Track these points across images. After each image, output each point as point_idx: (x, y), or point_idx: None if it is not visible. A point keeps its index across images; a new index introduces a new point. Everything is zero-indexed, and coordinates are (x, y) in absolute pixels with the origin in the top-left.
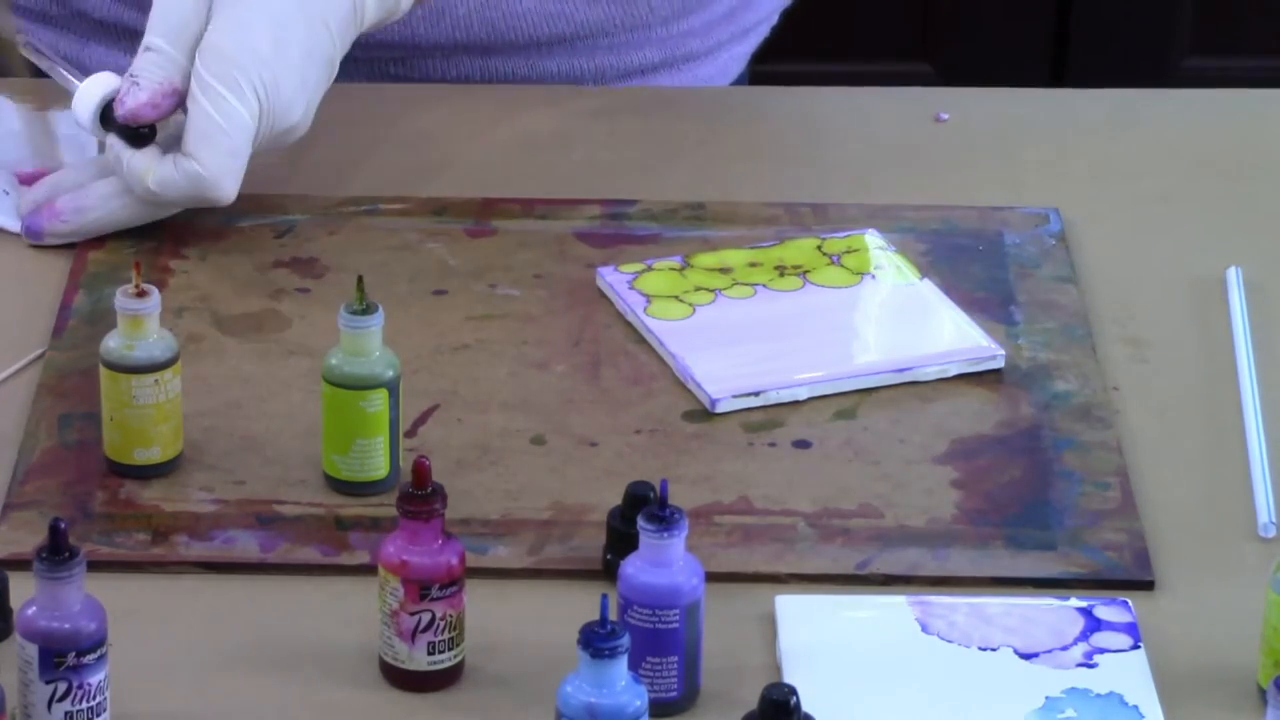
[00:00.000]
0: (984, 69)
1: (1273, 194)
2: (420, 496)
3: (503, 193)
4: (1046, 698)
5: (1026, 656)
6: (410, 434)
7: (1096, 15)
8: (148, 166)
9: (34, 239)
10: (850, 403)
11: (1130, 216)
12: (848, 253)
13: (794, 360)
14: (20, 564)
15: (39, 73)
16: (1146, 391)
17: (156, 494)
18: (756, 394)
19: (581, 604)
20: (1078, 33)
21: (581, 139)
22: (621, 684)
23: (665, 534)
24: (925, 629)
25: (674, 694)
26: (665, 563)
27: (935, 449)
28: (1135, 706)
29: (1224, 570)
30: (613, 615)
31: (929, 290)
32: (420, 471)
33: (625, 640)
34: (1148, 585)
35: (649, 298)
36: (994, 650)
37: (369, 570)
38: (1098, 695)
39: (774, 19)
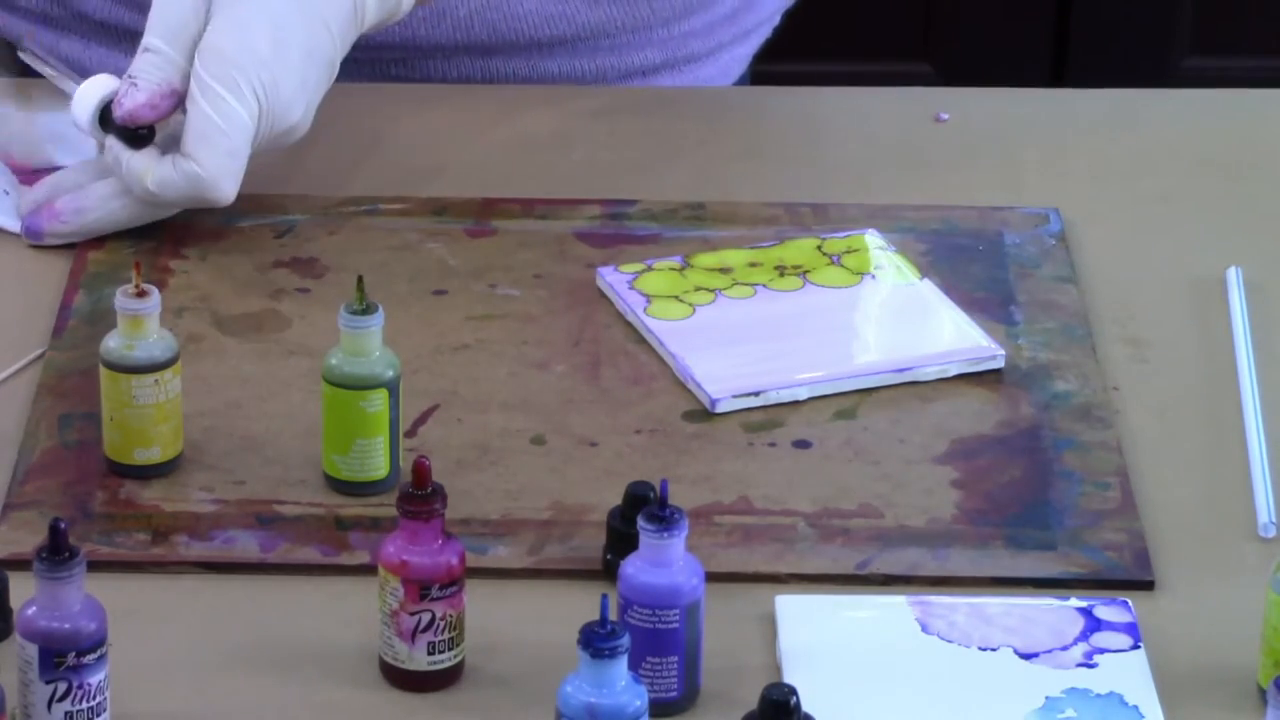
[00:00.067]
0: (984, 69)
1: (1273, 194)
2: (420, 496)
3: (503, 193)
4: (1046, 698)
5: (1026, 656)
6: (410, 434)
7: (1096, 15)
8: (147, 167)
9: (34, 239)
10: (850, 403)
11: (1130, 216)
12: (848, 253)
13: (794, 360)
14: (20, 564)
15: (37, 73)
16: (1146, 391)
17: (156, 494)
18: (756, 394)
19: (581, 604)
20: (1078, 33)
21: (581, 139)
22: (621, 684)
23: (665, 534)
24: (925, 629)
25: (674, 694)
26: (665, 563)
27: (935, 449)
28: (1135, 706)
29: (1224, 570)
30: (613, 615)
31: (929, 290)
32: (420, 471)
33: (625, 640)
34: (1148, 585)
35: (649, 298)
36: (994, 650)
37: (369, 570)
38: (1098, 695)
39: (776, 20)
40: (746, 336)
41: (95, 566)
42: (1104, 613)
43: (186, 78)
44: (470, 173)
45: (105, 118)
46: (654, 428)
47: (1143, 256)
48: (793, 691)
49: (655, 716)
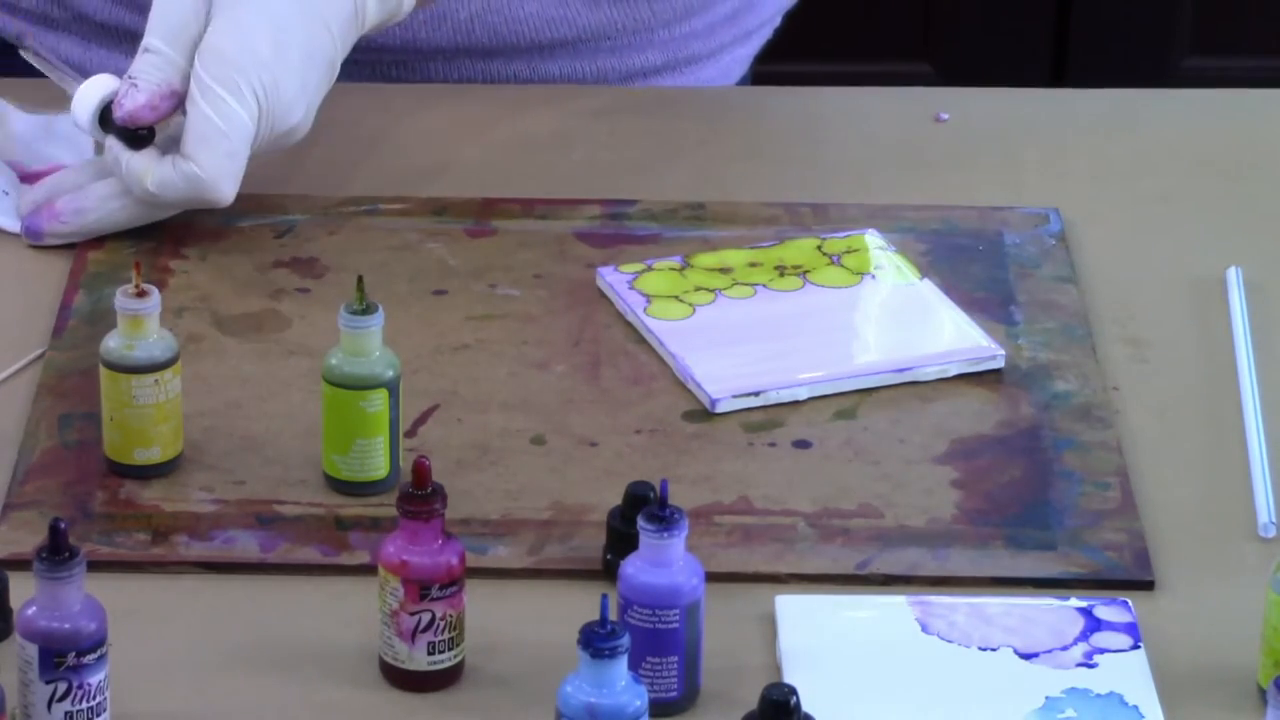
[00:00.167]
0: (984, 69)
1: (1273, 194)
2: (420, 496)
3: (503, 193)
4: (1046, 698)
5: (1026, 656)
6: (410, 434)
7: (1096, 15)
8: (146, 168)
9: (34, 239)
10: (850, 403)
11: (1130, 216)
12: (848, 253)
13: (794, 360)
14: (20, 564)
15: (37, 73)
16: (1146, 391)
17: (156, 494)
18: (756, 394)
19: (581, 604)
20: (1078, 33)
21: (581, 139)
22: (621, 684)
23: (665, 534)
24: (925, 629)
25: (674, 694)
26: (665, 563)
27: (935, 449)
28: (1135, 706)
29: (1224, 570)
30: (613, 615)
31: (929, 290)
32: (420, 471)
33: (625, 640)
34: (1148, 585)
35: (649, 298)
36: (994, 650)
37: (369, 570)
38: (1098, 695)
39: (776, 21)
40: (746, 336)
41: (95, 566)
42: (1104, 613)
43: (187, 79)
44: (470, 173)
45: (105, 118)
46: (654, 428)
47: (1143, 256)
48: (793, 691)
49: (655, 716)
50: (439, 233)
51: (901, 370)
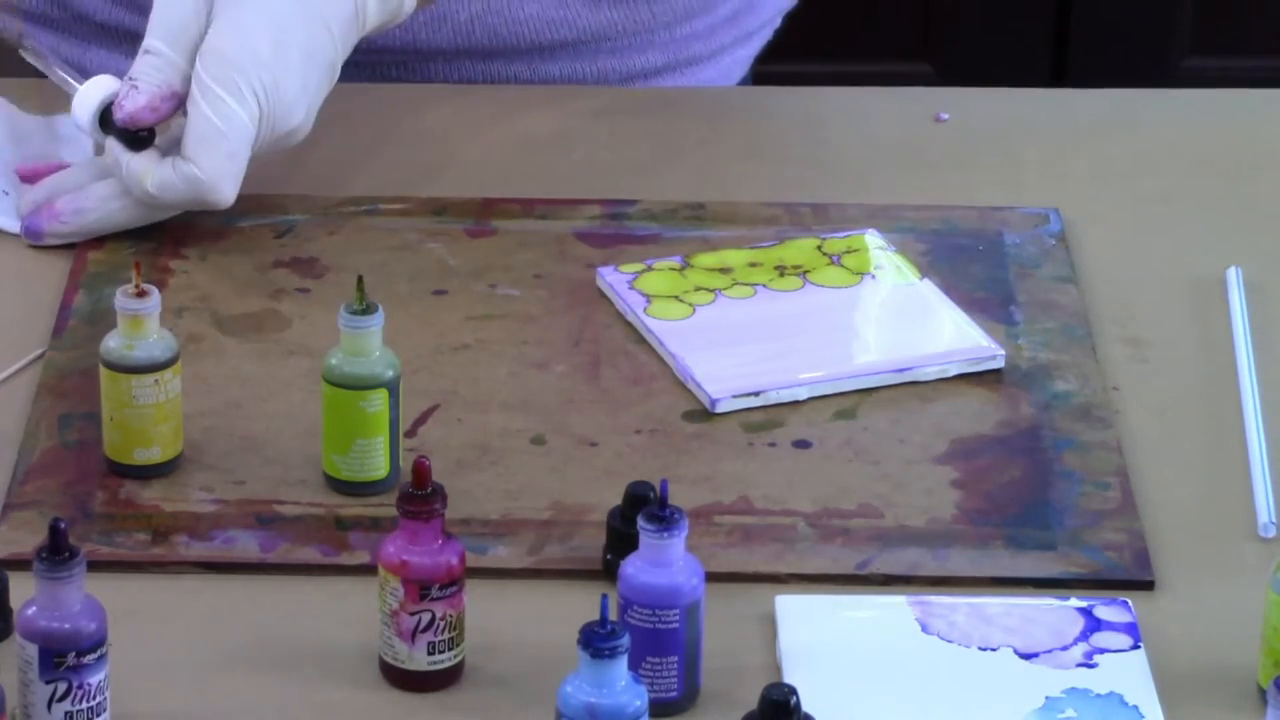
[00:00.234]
0: (984, 69)
1: (1273, 194)
2: (420, 496)
3: (503, 193)
4: (1046, 698)
5: (1026, 656)
6: (410, 434)
7: (1096, 15)
8: (146, 169)
9: (34, 239)
10: (850, 403)
11: (1130, 216)
12: (848, 253)
13: (794, 360)
14: (20, 564)
15: (38, 74)
16: (1146, 391)
17: (156, 494)
18: (756, 394)
19: (581, 604)
20: (1078, 33)
21: (581, 139)
22: (621, 684)
23: (665, 534)
24: (925, 629)
25: (674, 694)
26: (665, 563)
27: (935, 449)
28: (1135, 706)
29: (1224, 570)
30: (613, 615)
31: (929, 290)
32: (420, 471)
33: (625, 640)
34: (1148, 585)
35: (649, 298)
36: (994, 650)
37: (369, 570)
38: (1098, 695)
39: (777, 22)
40: (746, 336)
41: (95, 566)
42: (1104, 613)
43: (187, 80)
44: (470, 173)
45: (106, 119)
46: (654, 428)
47: (1143, 256)
48: (793, 691)
49: (655, 716)
50: (439, 233)
51: (901, 370)
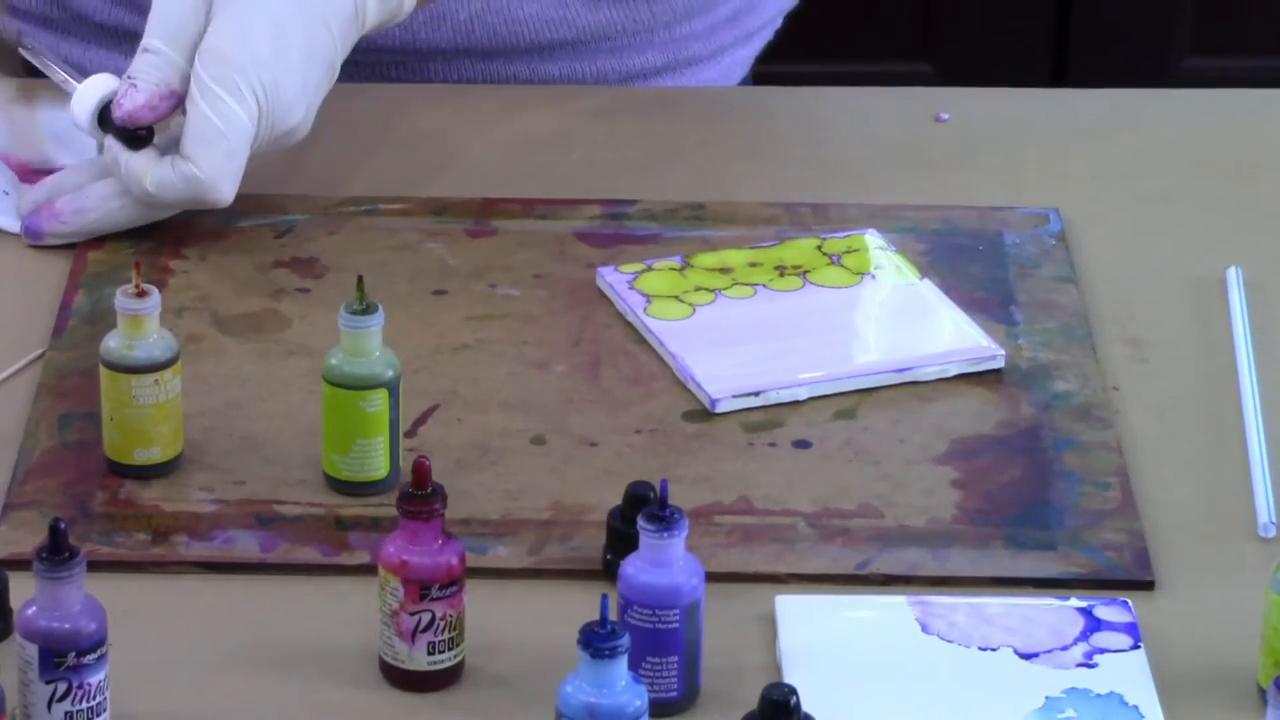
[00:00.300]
0: (984, 69)
1: (1273, 194)
2: (420, 496)
3: (503, 193)
4: (1046, 698)
5: (1026, 656)
6: (410, 434)
7: (1096, 15)
8: (145, 168)
9: (34, 239)
10: (850, 403)
11: (1130, 216)
12: (848, 253)
13: (794, 360)
14: (20, 564)
15: (37, 73)
16: (1146, 391)
17: (156, 494)
18: (756, 394)
19: (581, 604)
20: (1078, 33)
21: (581, 139)
22: (621, 684)
23: (665, 534)
24: (925, 629)
25: (674, 694)
26: (665, 563)
27: (935, 449)
28: (1135, 706)
29: (1224, 570)
30: (613, 615)
31: (929, 290)
32: (420, 471)
33: (625, 640)
34: (1148, 585)
35: (649, 298)
36: (994, 650)
37: (369, 570)
38: (1098, 695)
39: (778, 22)
40: (746, 336)
41: (95, 566)
42: (1104, 613)
43: (186, 79)
44: (470, 173)
45: (105, 118)
46: (654, 428)
47: (1143, 256)
48: (793, 691)
49: (655, 716)
50: (439, 233)
51: (901, 370)
